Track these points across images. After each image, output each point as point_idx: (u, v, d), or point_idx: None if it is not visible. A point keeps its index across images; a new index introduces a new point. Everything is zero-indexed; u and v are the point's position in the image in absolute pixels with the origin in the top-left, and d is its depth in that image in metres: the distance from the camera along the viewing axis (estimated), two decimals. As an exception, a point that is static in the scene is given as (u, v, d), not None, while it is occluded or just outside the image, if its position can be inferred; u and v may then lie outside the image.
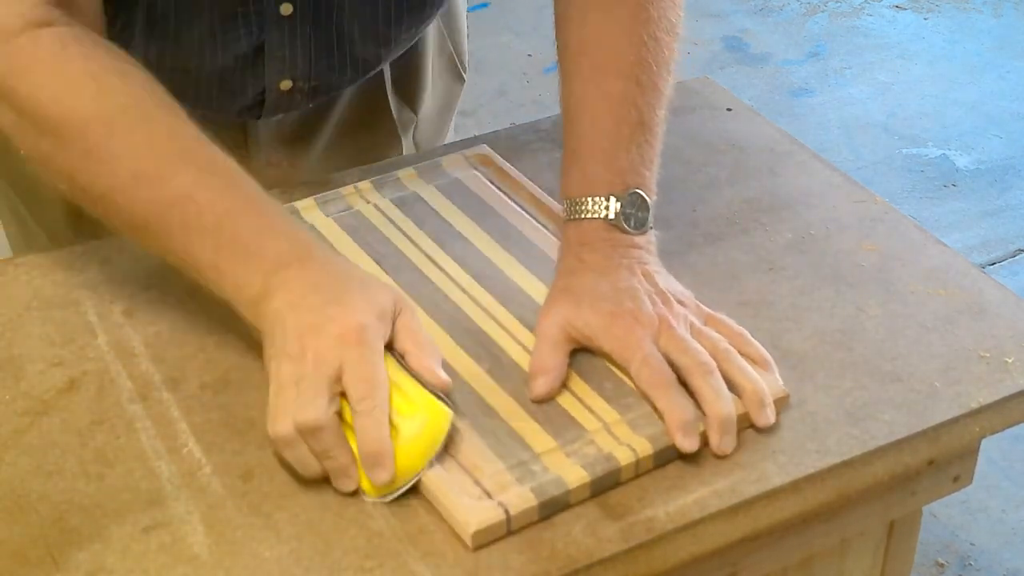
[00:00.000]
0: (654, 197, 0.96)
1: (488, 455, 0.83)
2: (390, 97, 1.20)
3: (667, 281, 0.93)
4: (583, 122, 0.96)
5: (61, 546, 0.78)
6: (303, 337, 0.82)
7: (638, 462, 0.82)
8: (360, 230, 1.02)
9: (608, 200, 0.94)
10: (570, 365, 0.89)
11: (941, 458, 0.92)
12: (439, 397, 0.83)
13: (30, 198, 1.17)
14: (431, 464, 0.81)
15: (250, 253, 0.86)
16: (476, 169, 1.10)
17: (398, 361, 0.84)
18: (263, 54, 1.04)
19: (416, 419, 0.81)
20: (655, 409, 0.85)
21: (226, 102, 1.07)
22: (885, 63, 3.18)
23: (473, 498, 0.79)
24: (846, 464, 0.85)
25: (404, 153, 1.23)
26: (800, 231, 1.06)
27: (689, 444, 0.83)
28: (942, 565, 1.88)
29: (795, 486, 0.83)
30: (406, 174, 1.09)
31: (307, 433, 0.80)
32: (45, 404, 0.88)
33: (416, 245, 1.01)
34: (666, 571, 0.81)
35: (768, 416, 0.86)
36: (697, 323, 0.90)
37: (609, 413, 0.86)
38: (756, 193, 1.10)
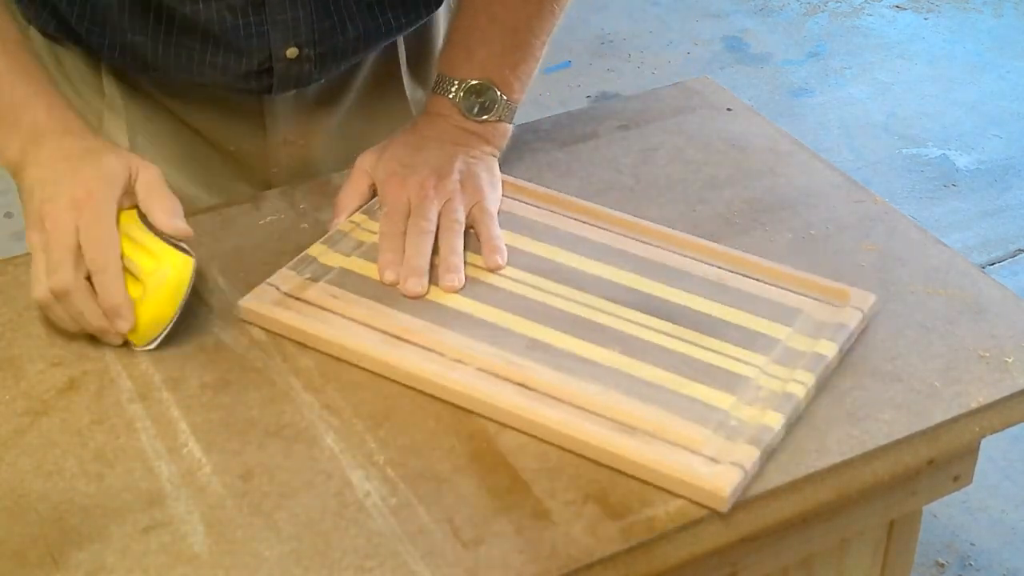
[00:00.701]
0: (516, 96, 1.07)
1: (690, 426, 0.85)
2: (404, 76, 1.22)
3: (471, 164, 1.04)
4: (464, 14, 1.08)
5: (61, 546, 0.78)
6: (42, 207, 0.90)
7: (808, 391, 0.87)
8: None
9: (458, 84, 1.06)
10: (679, 321, 0.94)
11: (941, 458, 0.92)
12: (179, 247, 0.91)
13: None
14: (181, 309, 0.91)
15: (8, 119, 0.94)
16: None
17: (143, 220, 0.92)
18: (264, 16, 1.04)
19: (160, 271, 0.90)
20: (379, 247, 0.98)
21: (231, 62, 1.06)
22: (885, 63, 3.19)
23: (708, 467, 0.81)
24: (846, 464, 0.85)
25: None
26: (800, 231, 1.06)
27: (387, 277, 0.96)
28: (942, 565, 1.88)
29: (795, 486, 0.83)
30: None
31: (59, 297, 0.89)
32: (45, 404, 0.88)
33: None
34: (666, 571, 0.81)
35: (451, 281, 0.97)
36: (457, 202, 1.01)
37: (755, 357, 0.90)
38: (756, 193, 1.10)
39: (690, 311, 0.95)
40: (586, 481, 0.82)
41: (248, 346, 0.92)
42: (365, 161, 1.05)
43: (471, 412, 0.87)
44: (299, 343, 0.92)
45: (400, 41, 1.20)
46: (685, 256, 1.00)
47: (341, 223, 1.02)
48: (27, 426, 0.86)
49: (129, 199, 0.92)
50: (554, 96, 2.92)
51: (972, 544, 1.91)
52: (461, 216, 1.01)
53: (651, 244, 1.01)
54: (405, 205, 1.01)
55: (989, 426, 0.90)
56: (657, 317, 0.94)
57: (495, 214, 1.02)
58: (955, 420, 0.88)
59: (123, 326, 0.90)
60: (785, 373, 0.89)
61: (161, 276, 0.90)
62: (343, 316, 0.93)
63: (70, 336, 0.93)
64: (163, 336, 0.91)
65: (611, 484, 0.82)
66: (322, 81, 1.13)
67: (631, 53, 3.18)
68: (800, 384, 0.87)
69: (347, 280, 0.97)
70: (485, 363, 0.89)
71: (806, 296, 0.96)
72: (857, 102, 3.02)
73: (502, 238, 1.00)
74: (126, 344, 0.92)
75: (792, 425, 0.86)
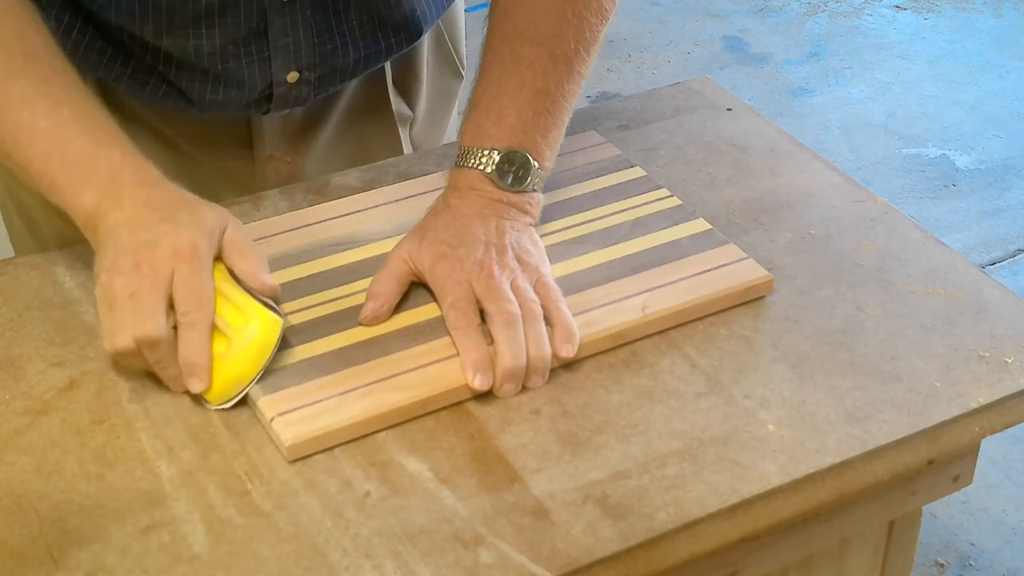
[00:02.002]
0: (547, 163, 0.99)
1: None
2: (390, 92, 1.21)
3: (519, 239, 0.96)
4: (490, 78, 1.00)
5: (61, 546, 0.78)
6: (138, 252, 0.86)
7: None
8: None
9: (489, 154, 0.97)
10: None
11: (941, 458, 0.92)
12: (268, 305, 0.88)
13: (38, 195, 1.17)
14: (263, 371, 0.86)
15: (82, 166, 0.89)
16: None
17: (230, 274, 0.89)
18: (266, 42, 1.04)
19: (247, 329, 0.86)
20: (456, 348, 0.90)
21: (233, 94, 1.07)
22: (885, 63, 3.19)
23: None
24: (846, 464, 0.85)
25: (403, 149, 1.24)
26: (800, 231, 1.06)
27: (479, 382, 0.88)
28: (942, 565, 1.88)
29: (795, 486, 0.83)
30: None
31: (145, 346, 0.85)
32: (45, 404, 0.88)
33: None
34: (666, 571, 0.81)
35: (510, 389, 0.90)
36: (522, 280, 0.93)
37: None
38: (756, 193, 1.10)
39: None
40: (586, 481, 0.82)
41: (248, 346, 0.92)
42: (404, 248, 0.96)
43: (472, 413, 0.87)
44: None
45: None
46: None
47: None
48: (27, 426, 0.86)
49: (216, 252, 0.89)
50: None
51: (972, 544, 1.91)
52: (534, 295, 0.92)
53: None
54: (469, 290, 0.92)
55: (989, 426, 0.90)
56: None
57: (559, 291, 0.94)
58: (955, 420, 0.88)
59: (197, 386, 0.85)
60: None
61: (248, 335, 0.86)
62: (352, 388, 0.88)
63: (70, 336, 0.93)
64: (240, 397, 0.86)
65: (611, 484, 0.82)
66: (317, 99, 1.13)
67: (631, 53, 3.18)
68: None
69: (322, 363, 0.90)
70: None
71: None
72: (857, 102, 3.02)
73: (574, 321, 0.92)
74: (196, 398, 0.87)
75: None
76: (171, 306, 0.85)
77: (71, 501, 0.81)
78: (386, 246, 0.99)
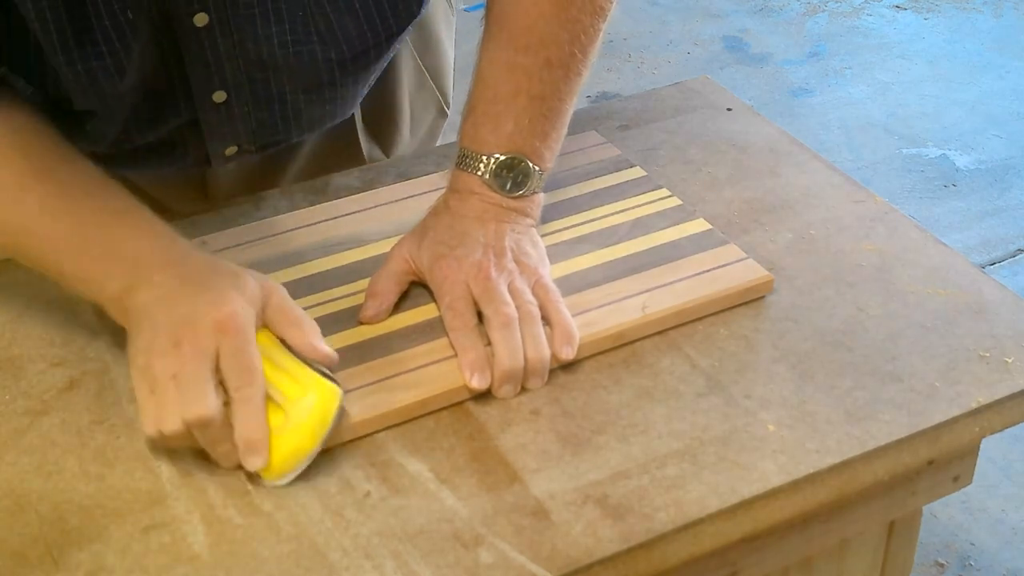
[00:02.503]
0: (547, 165, 0.99)
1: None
2: (360, 137, 1.19)
3: (518, 240, 0.96)
4: (486, 84, 0.99)
5: (61, 546, 0.78)
6: (177, 329, 0.82)
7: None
8: None
9: (487, 159, 0.97)
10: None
11: (941, 458, 0.92)
12: (325, 374, 0.84)
13: None
14: (324, 443, 0.82)
15: (109, 253, 0.86)
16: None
17: (281, 344, 0.85)
18: (199, 130, 1.02)
19: (305, 400, 0.82)
20: (453, 348, 0.90)
21: (168, 164, 1.05)
22: (885, 63, 3.19)
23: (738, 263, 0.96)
24: (846, 464, 0.85)
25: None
26: (800, 231, 1.06)
27: (477, 382, 0.88)
28: (942, 565, 1.88)
29: (795, 486, 0.83)
30: None
31: (197, 427, 0.80)
32: (45, 404, 0.88)
33: None
34: (666, 571, 0.81)
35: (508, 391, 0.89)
36: (519, 282, 0.93)
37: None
38: (756, 193, 1.10)
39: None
40: (586, 481, 0.82)
41: (248, 346, 0.92)
42: (403, 247, 0.96)
43: (472, 413, 0.87)
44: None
45: (356, 108, 1.16)
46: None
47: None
48: (27, 426, 0.86)
49: (260, 320, 0.85)
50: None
51: (972, 544, 1.91)
52: (532, 297, 0.92)
53: None
54: (466, 291, 0.92)
55: (989, 426, 0.90)
56: None
57: (559, 292, 0.94)
58: (955, 420, 0.88)
59: (257, 463, 0.80)
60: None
61: (307, 406, 0.82)
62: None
63: (70, 336, 0.93)
64: (299, 472, 0.82)
65: (611, 484, 0.82)
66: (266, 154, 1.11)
67: (631, 53, 3.18)
68: None
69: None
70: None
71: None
72: (857, 102, 3.02)
73: (574, 323, 0.92)
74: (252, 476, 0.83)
75: None
76: (218, 383, 0.81)
77: (71, 501, 0.81)
78: (386, 246, 0.99)
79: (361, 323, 0.93)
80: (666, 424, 0.87)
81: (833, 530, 0.93)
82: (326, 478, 0.82)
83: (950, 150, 2.85)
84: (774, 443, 0.85)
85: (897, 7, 3.45)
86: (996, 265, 2.50)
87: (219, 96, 1.00)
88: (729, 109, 1.22)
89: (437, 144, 1.29)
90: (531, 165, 0.97)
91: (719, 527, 0.81)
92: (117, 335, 0.93)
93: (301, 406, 0.82)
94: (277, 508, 0.80)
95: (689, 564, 0.82)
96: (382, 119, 1.20)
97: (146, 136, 1.01)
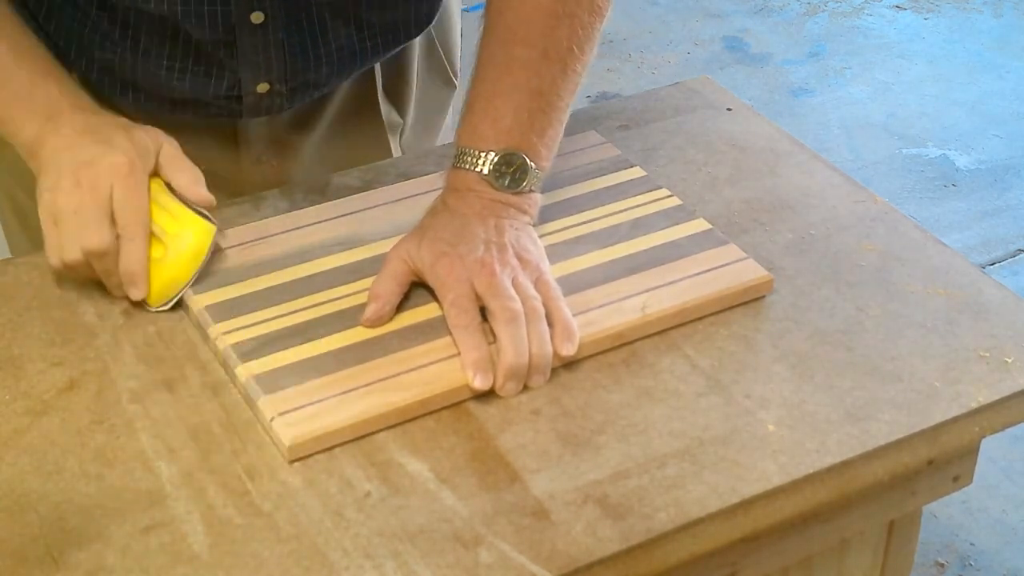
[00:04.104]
0: (544, 163, 0.99)
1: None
2: (380, 99, 1.20)
3: (518, 237, 0.96)
4: (484, 80, 1.00)
5: (61, 546, 0.78)
6: (78, 171, 0.93)
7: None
8: None
9: (486, 155, 0.97)
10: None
11: (941, 458, 0.92)
12: (202, 214, 0.96)
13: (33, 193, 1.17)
14: (198, 273, 0.95)
15: (22, 99, 0.97)
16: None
17: (168, 188, 0.96)
18: (234, 54, 1.04)
19: (182, 236, 0.94)
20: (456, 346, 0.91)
21: (200, 84, 1.06)
22: (885, 63, 3.19)
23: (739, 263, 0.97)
24: (846, 464, 0.85)
25: (393, 155, 1.23)
26: (800, 231, 1.06)
27: (480, 382, 0.88)
28: (942, 565, 1.88)
29: (795, 486, 0.83)
30: None
31: (93, 256, 0.93)
32: (45, 404, 0.88)
33: None
34: (666, 571, 0.81)
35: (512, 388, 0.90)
36: (523, 277, 0.93)
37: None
38: (756, 193, 1.10)
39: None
40: (586, 481, 0.82)
41: (248, 346, 0.92)
42: (402, 248, 0.96)
43: (472, 413, 0.87)
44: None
45: (376, 64, 1.18)
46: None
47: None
48: (27, 426, 0.86)
49: (152, 170, 0.96)
50: (554, 96, 2.91)
51: (972, 544, 1.91)
52: (535, 293, 0.92)
53: None
54: (470, 288, 0.92)
55: (989, 426, 0.90)
56: None
57: (559, 289, 0.94)
58: (955, 420, 0.88)
59: (136, 294, 0.94)
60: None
61: (183, 240, 0.94)
62: (358, 387, 0.88)
63: (70, 336, 0.93)
64: (176, 299, 0.95)
65: (611, 484, 0.82)
66: (292, 108, 1.12)
67: (631, 53, 3.18)
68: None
69: (322, 363, 0.90)
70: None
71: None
72: (857, 102, 3.02)
73: (574, 320, 0.92)
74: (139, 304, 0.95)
75: None
76: (112, 220, 0.93)
77: (71, 501, 0.81)
78: (386, 246, 0.99)
79: (363, 326, 0.93)
80: (666, 424, 0.87)
81: (833, 530, 0.93)
82: (326, 478, 0.82)
83: (950, 150, 2.85)
84: (774, 443, 0.85)
85: (897, 7, 3.45)
86: (996, 265, 2.50)
87: (256, 17, 1.02)
88: (729, 109, 1.22)
89: (446, 114, 1.31)
90: (529, 162, 0.97)
91: (719, 527, 0.81)
92: (117, 335, 0.93)
93: (179, 240, 0.94)
94: (277, 508, 0.80)
95: (689, 564, 0.82)
96: (399, 81, 1.22)
97: (182, 58, 1.04)
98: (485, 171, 0.97)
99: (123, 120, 0.98)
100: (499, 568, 0.77)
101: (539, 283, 0.94)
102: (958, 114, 2.97)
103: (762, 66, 3.17)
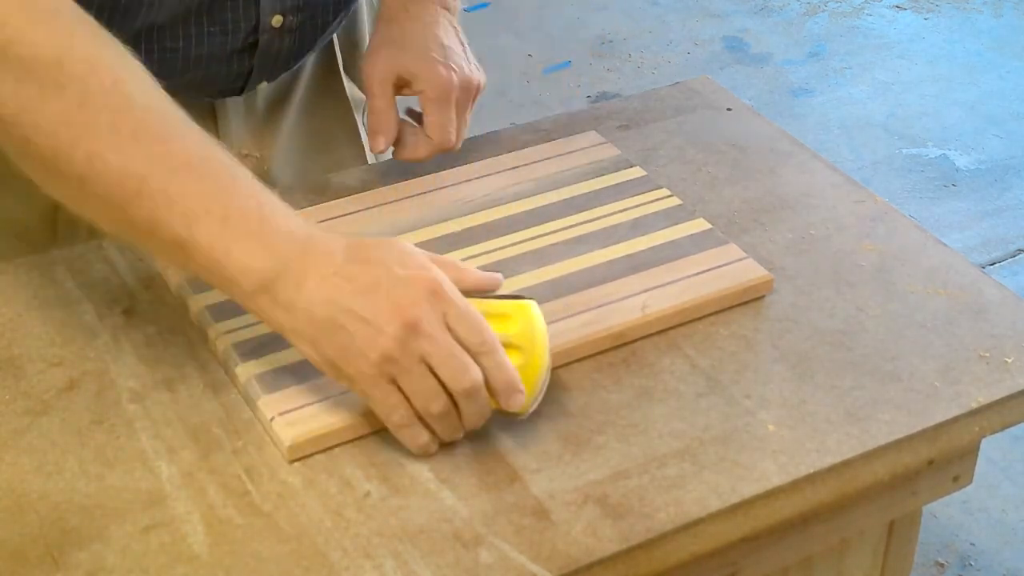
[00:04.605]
0: None
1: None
2: (343, 77, 1.24)
3: (459, 38, 1.10)
4: None
5: (61, 546, 0.78)
6: (400, 313, 0.77)
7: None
8: None
9: None
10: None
11: (941, 458, 0.92)
12: (513, 297, 0.87)
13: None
14: (549, 352, 0.86)
15: (259, 230, 0.79)
16: None
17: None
18: None
19: (526, 326, 0.84)
20: (432, 128, 1.05)
21: (217, 41, 1.06)
22: (885, 63, 3.19)
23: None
24: (846, 464, 0.85)
25: (360, 133, 1.25)
26: (800, 231, 1.06)
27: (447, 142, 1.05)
28: (942, 565, 1.88)
29: (795, 486, 0.83)
30: None
31: (471, 395, 0.80)
32: (45, 404, 0.88)
33: None
34: (666, 571, 0.81)
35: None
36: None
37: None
38: (756, 193, 1.10)
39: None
40: (586, 481, 0.82)
41: (248, 346, 0.92)
42: (385, 62, 1.06)
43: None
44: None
45: (335, 43, 1.22)
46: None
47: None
48: (27, 426, 0.86)
49: None
50: (554, 96, 2.92)
51: (972, 544, 1.91)
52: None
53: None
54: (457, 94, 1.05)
55: (989, 426, 0.90)
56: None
57: None
58: (955, 420, 0.88)
59: (521, 399, 0.82)
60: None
61: (530, 330, 0.84)
62: None
63: (70, 336, 0.93)
64: (544, 390, 0.85)
65: (611, 484, 0.82)
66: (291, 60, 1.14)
67: (631, 53, 3.18)
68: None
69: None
70: None
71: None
72: (857, 102, 3.02)
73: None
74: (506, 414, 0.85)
75: None
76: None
77: (71, 501, 0.81)
78: None
79: (374, 151, 1.05)
80: (666, 424, 0.87)
81: (833, 530, 0.93)
82: (326, 478, 0.82)
83: (950, 150, 2.85)
84: (774, 443, 0.86)
85: (897, 7, 3.45)
86: (996, 265, 2.50)
87: None
88: (729, 109, 1.22)
89: None
90: None
91: (719, 527, 0.82)
92: (117, 335, 0.93)
93: (527, 334, 0.84)
94: (277, 508, 0.80)
95: (689, 564, 0.82)
96: (355, 57, 1.25)
97: (196, 23, 1.03)
98: None
99: (369, 239, 0.83)
100: (499, 568, 0.77)
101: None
102: (958, 114, 2.98)
103: (762, 66, 3.17)
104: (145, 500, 0.81)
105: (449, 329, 0.79)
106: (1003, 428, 0.92)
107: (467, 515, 0.80)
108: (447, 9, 1.10)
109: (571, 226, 1.03)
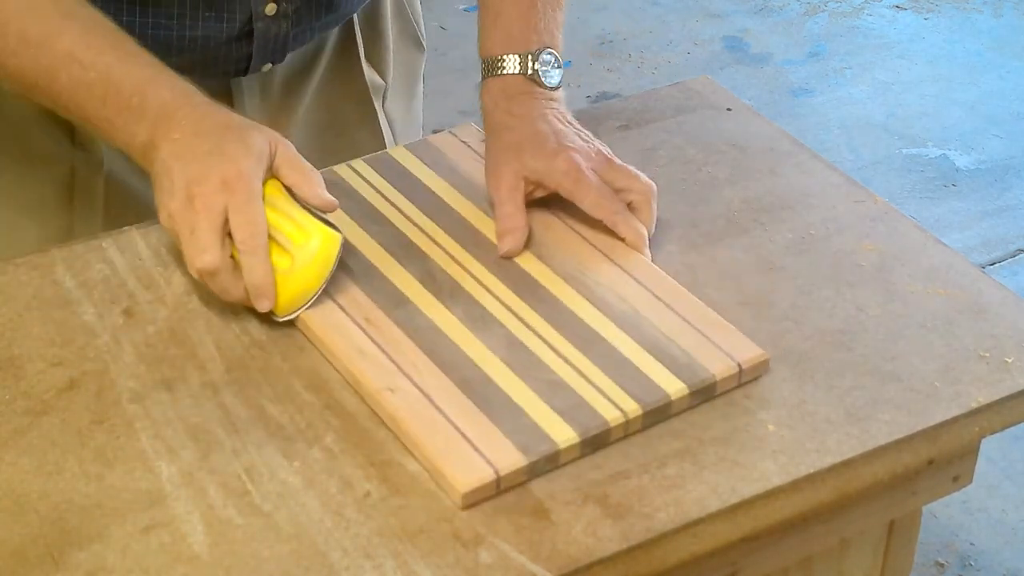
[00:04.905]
0: (561, 55, 1.07)
1: (477, 414, 0.84)
2: (363, 62, 1.24)
3: (575, 124, 1.05)
4: None
5: (61, 546, 0.78)
6: (189, 186, 0.90)
7: (627, 423, 0.84)
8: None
9: (527, 57, 1.05)
10: (547, 318, 0.93)
11: (941, 458, 0.92)
12: (327, 222, 0.92)
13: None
14: (327, 283, 0.91)
15: (134, 104, 0.93)
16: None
17: (288, 192, 0.92)
18: None
19: (309, 245, 0.90)
20: (615, 233, 0.99)
21: (213, 25, 1.07)
22: (885, 63, 3.18)
23: (464, 457, 0.81)
24: (846, 464, 0.85)
25: (379, 120, 1.26)
26: (800, 231, 1.06)
27: (647, 252, 0.99)
28: (942, 565, 1.88)
29: (795, 486, 0.83)
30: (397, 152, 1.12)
31: (206, 276, 0.90)
32: (45, 404, 0.88)
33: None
34: (666, 571, 0.81)
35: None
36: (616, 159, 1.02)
37: (593, 371, 0.88)
38: (756, 193, 1.10)
39: (584, 326, 0.92)
40: (586, 481, 0.82)
41: (248, 345, 0.92)
42: (508, 168, 1.01)
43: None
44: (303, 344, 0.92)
45: (356, 24, 1.22)
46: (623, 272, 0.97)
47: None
48: (27, 426, 0.86)
49: (268, 173, 0.93)
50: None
51: (972, 544, 1.91)
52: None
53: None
54: (599, 178, 1.00)
55: (989, 426, 0.90)
56: (549, 323, 0.92)
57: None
58: (955, 420, 0.88)
59: (265, 305, 0.91)
60: (617, 396, 0.86)
61: (311, 250, 0.91)
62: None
63: (70, 336, 0.93)
64: (306, 308, 0.92)
65: (611, 484, 0.82)
66: (291, 58, 1.14)
67: (631, 53, 3.18)
68: (619, 412, 0.85)
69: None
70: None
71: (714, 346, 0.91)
72: (857, 102, 3.02)
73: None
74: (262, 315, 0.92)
75: (595, 448, 0.84)
76: (226, 237, 0.90)
77: (71, 501, 0.81)
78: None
79: (503, 257, 0.97)
80: (666, 424, 0.87)
81: (833, 530, 0.93)
82: (326, 478, 0.82)
83: (950, 150, 2.85)
84: (774, 443, 0.85)
85: (897, 7, 3.45)
86: (996, 265, 2.50)
87: None
88: (729, 109, 1.22)
89: (420, 80, 1.35)
90: (558, 56, 1.06)
91: (719, 527, 0.82)
92: (117, 335, 0.93)
93: (306, 250, 0.90)
94: (277, 508, 0.80)
95: (689, 564, 0.82)
96: (377, 45, 1.25)
97: (192, 7, 1.04)
98: (529, 71, 1.04)
99: (237, 119, 0.95)
100: (499, 568, 0.77)
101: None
102: (958, 114, 2.97)
103: (762, 66, 3.17)
104: (145, 500, 0.81)
105: (229, 218, 0.89)
106: (1003, 428, 0.92)
107: (467, 515, 0.80)
108: (550, 99, 1.06)
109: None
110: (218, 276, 0.90)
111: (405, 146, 1.13)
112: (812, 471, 0.84)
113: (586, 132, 1.05)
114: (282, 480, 0.82)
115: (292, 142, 1.18)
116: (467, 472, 0.80)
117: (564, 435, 0.83)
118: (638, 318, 0.92)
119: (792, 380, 0.90)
